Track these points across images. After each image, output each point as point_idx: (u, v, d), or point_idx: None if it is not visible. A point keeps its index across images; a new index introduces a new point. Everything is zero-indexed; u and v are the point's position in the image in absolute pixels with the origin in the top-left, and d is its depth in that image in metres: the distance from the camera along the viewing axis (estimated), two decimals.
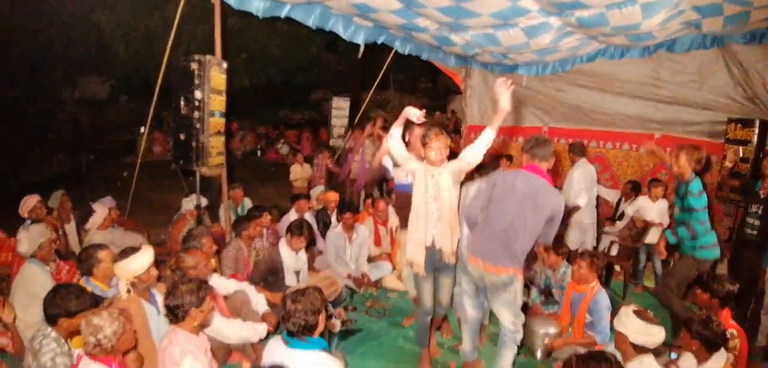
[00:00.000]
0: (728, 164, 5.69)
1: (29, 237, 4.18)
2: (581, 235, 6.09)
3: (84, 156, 12.27)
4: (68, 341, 2.97)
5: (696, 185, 4.19)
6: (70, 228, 5.84)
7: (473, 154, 3.59)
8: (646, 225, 6.07)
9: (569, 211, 5.74)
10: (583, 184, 6.00)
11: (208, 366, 2.83)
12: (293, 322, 2.60)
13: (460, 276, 3.93)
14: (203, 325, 3.02)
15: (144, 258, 3.34)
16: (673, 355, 3.96)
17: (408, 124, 4.02)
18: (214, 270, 4.18)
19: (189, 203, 6.02)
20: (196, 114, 4.85)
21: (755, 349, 4.40)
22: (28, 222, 4.72)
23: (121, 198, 6.69)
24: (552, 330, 4.45)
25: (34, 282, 3.94)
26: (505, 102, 3.48)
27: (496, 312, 3.81)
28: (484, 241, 3.58)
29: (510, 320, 3.71)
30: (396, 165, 4.17)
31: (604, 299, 4.13)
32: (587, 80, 7.21)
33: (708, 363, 3.15)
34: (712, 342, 3.12)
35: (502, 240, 3.49)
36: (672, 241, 4.45)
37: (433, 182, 3.64)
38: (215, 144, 5.13)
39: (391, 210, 6.20)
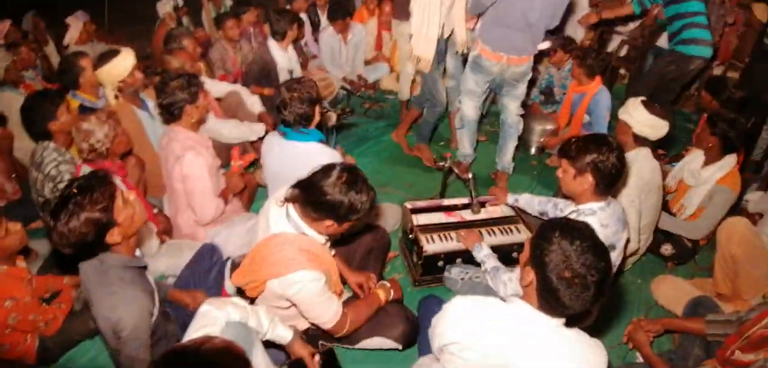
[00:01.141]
0: None
1: None
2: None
3: None
4: (69, 150, 2.99)
5: None
6: (50, 49, 5.62)
7: None
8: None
9: None
10: None
11: (212, 162, 2.88)
12: (290, 111, 2.60)
13: (465, 79, 3.75)
14: (200, 122, 3.03)
15: (126, 61, 3.25)
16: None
17: None
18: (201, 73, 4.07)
19: (166, 5, 5.71)
20: None
21: (750, 162, 4.50)
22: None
23: (98, 13, 6.35)
24: (549, 127, 4.55)
25: (12, 108, 3.85)
26: None
27: (504, 104, 3.82)
28: (505, 34, 3.38)
29: (516, 111, 3.79)
30: None
31: (605, 98, 4.11)
32: None
33: (715, 164, 3.20)
34: (731, 143, 3.13)
35: (523, 26, 3.32)
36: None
37: None
38: None
39: None
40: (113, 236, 1.79)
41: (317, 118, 2.71)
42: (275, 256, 1.95)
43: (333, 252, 2.31)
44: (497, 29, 3.40)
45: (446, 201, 3.21)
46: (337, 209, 1.91)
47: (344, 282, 2.67)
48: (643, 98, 2.97)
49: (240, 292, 2.22)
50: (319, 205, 1.93)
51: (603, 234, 2.15)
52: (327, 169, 1.96)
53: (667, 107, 4.75)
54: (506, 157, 4.00)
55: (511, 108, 3.79)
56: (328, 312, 2.07)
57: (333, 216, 1.94)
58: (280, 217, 2.04)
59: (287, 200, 2.03)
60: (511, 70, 3.53)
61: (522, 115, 3.87)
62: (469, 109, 3.82)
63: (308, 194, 1.95)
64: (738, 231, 2.90)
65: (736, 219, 3.05)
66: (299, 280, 1.94)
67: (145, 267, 2.04)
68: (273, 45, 4.37)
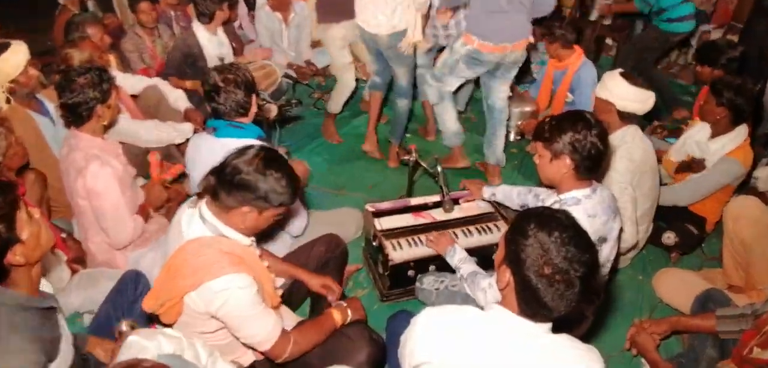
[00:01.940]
0: None
1: None
2: None
3: None
4: None
5: None
6: None
7: None
8: None
9: None
10: None
11: (123, 172, 2.79)
12: (224, 99, 2.55)
13: (457, 68, 3.84)
14: (110, 126, 2.94)
15: (16, 57, 3.13)
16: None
17: None
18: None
19: None
20: None
21: (760, 135, 4.60)
22: None
23: None
24: (528, 109, 4.58)
25: None
26: None
27: (492, 87, 3.92)
28: (502, 22, 3.51)
29: (504, 96, 3.97)
30: None
31: (589, 73, 4.17)
32: None
33: (725, 137, 3.25)
34: (742, 112, 3.18)
35: (518, 6, 3.48)
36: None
37: None
38: None
39: None
40: (15, 256, 1.70)
41: (254, 109, 2.67)
42: (192, 264, 1.87)
43: (264, 262, 2.26)
44: (492, 19, 3.50)
45: (414, 201, 3.21)
46: (254, 190, 1.88)
47: (307, 295, 2.67)
48: (620, 70, 3.00)
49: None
50: (233, 187, 1.88)
51: (591, 226, 2.18)
52: (242, 150, 1.94)
53: (655, 73, 5.16)
54: (498, 149, 4.11)
55: (501, 91, 3.92)
56: (263, 328, 1.99)
57: (250, 199, 1.89)
58: (193, 220, 1.99)
59: (200, 194, 1.98)
60: (512, 55, 3.67)
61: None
62: (451, 86, 3.95)
63: (221, 177, 1.91)
64: (747, 212, 2.94)
65: (744, 198, 3.10)
66: (224, 287, 1.86)
67: (52, 308, 1.95)
68: (199, 28, 4.29)
